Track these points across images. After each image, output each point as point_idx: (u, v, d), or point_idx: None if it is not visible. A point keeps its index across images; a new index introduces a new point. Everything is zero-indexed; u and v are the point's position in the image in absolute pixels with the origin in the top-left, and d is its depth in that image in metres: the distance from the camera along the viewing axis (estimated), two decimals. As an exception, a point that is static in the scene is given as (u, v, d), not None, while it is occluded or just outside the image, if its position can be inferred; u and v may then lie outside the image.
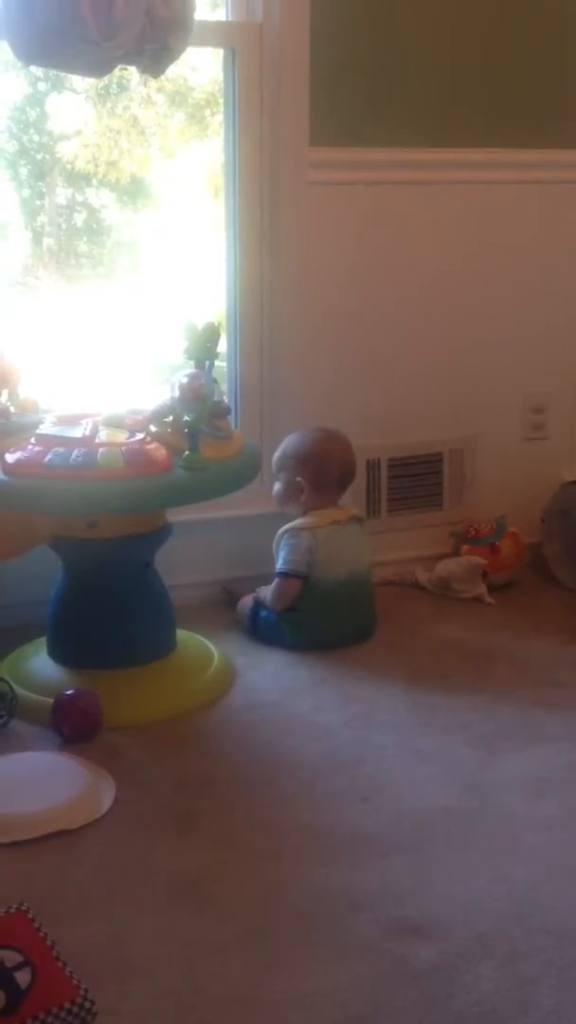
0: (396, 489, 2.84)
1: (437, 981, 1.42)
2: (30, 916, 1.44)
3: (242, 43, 2.51)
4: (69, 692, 2.08)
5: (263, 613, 2.47)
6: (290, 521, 2.49)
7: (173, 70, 2.28)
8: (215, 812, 1.82)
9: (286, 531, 2.46)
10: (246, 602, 2.52)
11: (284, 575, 2.43)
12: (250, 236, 2.60)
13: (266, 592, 2.47)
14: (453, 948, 1.48)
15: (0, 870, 1.65)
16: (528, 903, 1.57)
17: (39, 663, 2.28)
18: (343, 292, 2.69)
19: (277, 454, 2.53)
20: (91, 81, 2.70)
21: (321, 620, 2.43)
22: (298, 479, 2.48)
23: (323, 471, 2.49)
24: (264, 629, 2.47)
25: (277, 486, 2.53)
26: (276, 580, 2.44)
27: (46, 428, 2.16)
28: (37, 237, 3.00)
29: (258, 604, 2.49)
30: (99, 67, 2.18)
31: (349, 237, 2.66)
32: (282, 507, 2.54)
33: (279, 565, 2.44)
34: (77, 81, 2.76)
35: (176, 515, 2.30)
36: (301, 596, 2.43)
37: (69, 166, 2.91)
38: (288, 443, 2.53)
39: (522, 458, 2.97)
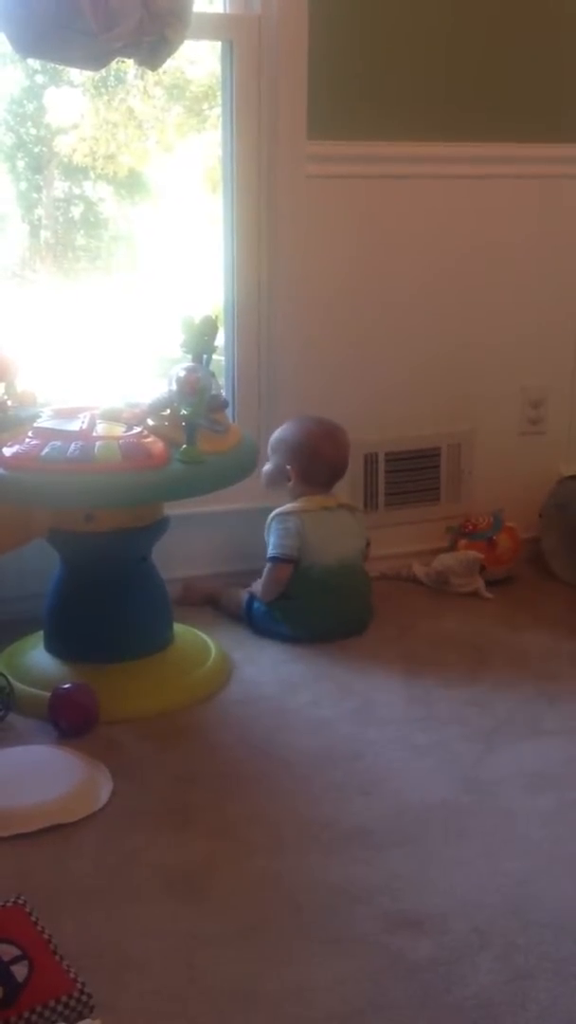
0: (393, 484, 2.84)
1: (435, 974, 1.42)
2: (27, 909, 1.44)
3: (240, 36, 2.50)
4: (66, 686, 2.07)
5: (256, 604, 2.48)
6: (281, 505, 2.50)
7: (171, 63, 2.27)
8: (212, 806, 1.82)
9: (275, 516, 2.47)
10: (241, 596, 2.52)
11: (274, 559, 2.43)
12: (248, 229, 2.60)
13: (257, 585, 2.48)
14: (451, 941, 1.48)
15: (-3, 863, 1.65)
16: (525, 897, 1.57)
17: (36, 657, 2.28)
18: (340, 286, 2.69)
19: (274, 436, 2.54)
20: (88, 74, 2.69)
21: (313, 607, 2.43)
22: (287, 467, 2.50)
23: (312, 465, 2.50)
24: (259, 620, 2.47)
25: (267, 466, 2.54)
26: (267, 566, 2.44)
27: (43, 421, 2.15)
28: (34, 230, 2.99)
29: (252, 597, 2.49)
30: (97, 59, 2.17)
31: (347, 231, 2.66)
32: (268, 488, 2.55)
33: (269, 550, 2.45)
34: (75, 74, 2.75)
35: (173, 508, 2.30)
36: (292, 582, 2.43)
37: (66, 159, 2.90)
38: (285, 429, 2.54)
39: (520, 452, 2.97)
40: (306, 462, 2.50)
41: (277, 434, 2.55)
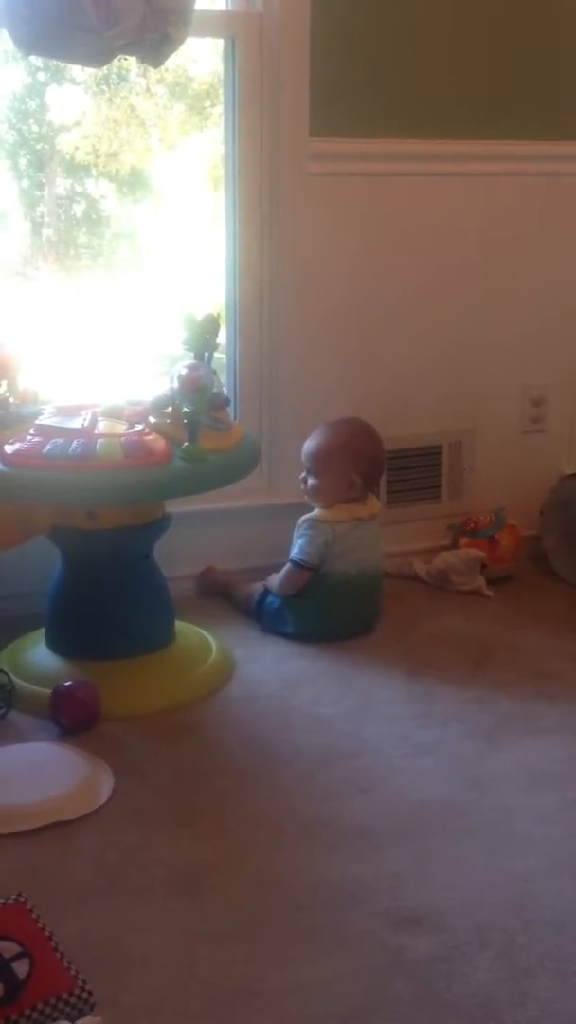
0: (395, 481, 2.84)
1: (435, 972, 1.42)
2: (28, 907, 1.44)
3: (242, 33, 2.50)
4: (68, 683, 2.08)
5: (269, 599, 2.48)
6: (304, 512, 2.48)
7: (173, 61, 2.27)
8: (213, 803, 1.82)
9: (307, 520, 2.45)
10: (256, 588, 2.53)
11: (297, 565, 2.43)
12: (250, 227, 2.60)
13: (273, 579, 2.48)
14: (451, 939, 1.48)
15: (-2, 861, 1.65)
16: (526, 895, 1.58)
17: (38, 654, 2.28)
18: (343, 284, 2.69)
19: (323, 447, 2.47)
20: (90, 71, 2.69)
21: (326, 610, 2.44)
22: (354, 477, 2.44)
23: (374, 468, 2.50)
24: (268, 616, 2.48)
25: (316, 481, 2.47)
26: (288, 566, 2.45)
27: (45, 419, 2.16)
28: (36, 227, 2.99)
29: (266, 591, 2.50)
30: (99, 57, 2.17)
31: (349, 229, 2.66)
32: (314, 500, 2.50)
33: (294, 553, 2.44)
34: (77, 72, 2.75)
35: (175, 506, 2.30)
36: (310, 584, 2.43)
37: (69, 157, 2.90)
38: (336, 437, 2.47)
39: (521, 451, 2.97)
40: (368, 466, 2.47)
41: (324, 445, 2.47)
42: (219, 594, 2.64)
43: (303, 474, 2.52)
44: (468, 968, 1.43)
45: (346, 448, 2.47)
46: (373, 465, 2.50)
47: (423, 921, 1.52)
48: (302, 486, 2.52)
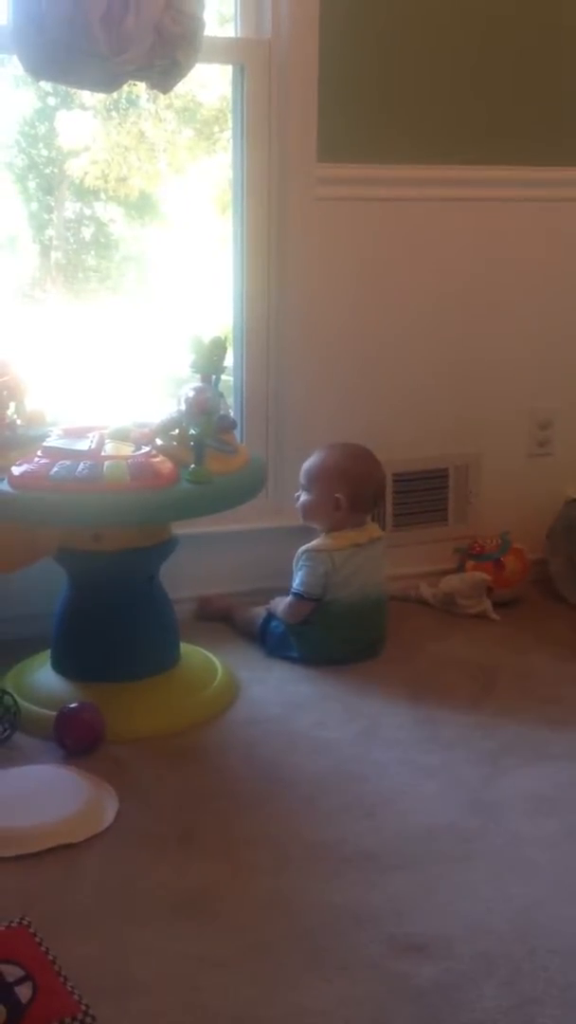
0: (401, 504, 2.84)
1: (439, 999, 1.41)
2: (31, 931, 1.43)
3: (251, 59, 2.52)
4: (72, 705, 2.07)
5: (273, 623, 2.48)
6: (311, 537, 2.49)
7: (182, 86, 2.29)
8: (217, 827, 1.81)
9: (306, 551, 2.45)
10: (258, 612, 2.53)
11: (299, 596, 2.43)
12: (257, 251, 2.61)
13: (277, 604, 2.48)
14: (456, 966, 1.47)
15: (2, 884, 1.65)
16: (531, 922, 1.57)
17: (43, 676, 2.28)
18: (349, 307, 2.70)
19: (314, 466, 2.50)
20: (100, 97, 2.72)
21: (331, 636, 2.44)
22: (337, 495, 2.46)
23: (362, 488, 2.48)
24: (272, 641, 2.48)
25: (307, 498, 2.50)
26: (291, 598, 2.45)
27: (52, 441, 2.16)
28: (45, 250, 3.01)
29: (270, 615, 2.50)
30: (108, 82, 2.19)
31: (356, 253, 2.67)
32: (307, 520, 2.52)
33: (295, 585, 2.44)
34: (86, 97, 2.77)
35: (181, 528, 2.30)
36: (313, 612, 2.43)
37: (78, 181, 2.92)
38: (327, 457, 2.50)
39: (527, 474, 2.97)
40: (356, 487, 2.46)
41: (315, 464, 2.50)
42: (219, 620, 2.64)
43: (298, 492, 2.53)
44: (473, 995, 1.42)
45: (335, 468, 2.48)
46: (361, 486, 2.48)
47: (428, 947, 1.51)
48: (296, 503, 2.54)
